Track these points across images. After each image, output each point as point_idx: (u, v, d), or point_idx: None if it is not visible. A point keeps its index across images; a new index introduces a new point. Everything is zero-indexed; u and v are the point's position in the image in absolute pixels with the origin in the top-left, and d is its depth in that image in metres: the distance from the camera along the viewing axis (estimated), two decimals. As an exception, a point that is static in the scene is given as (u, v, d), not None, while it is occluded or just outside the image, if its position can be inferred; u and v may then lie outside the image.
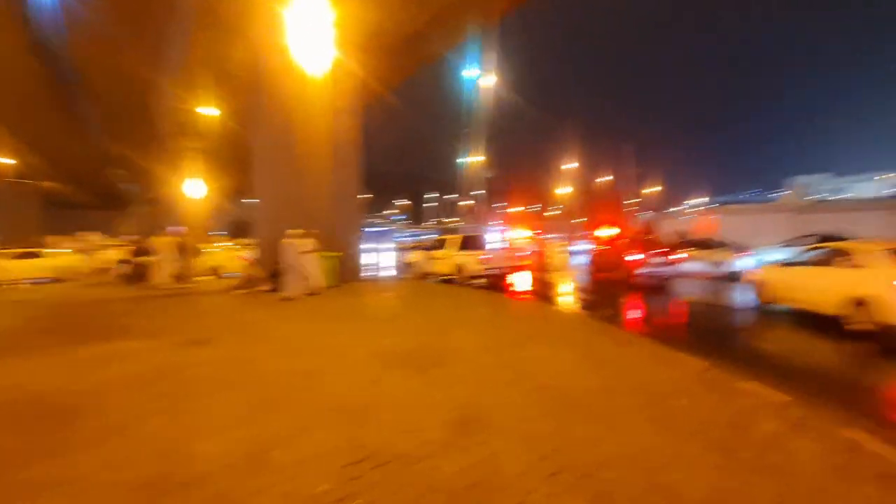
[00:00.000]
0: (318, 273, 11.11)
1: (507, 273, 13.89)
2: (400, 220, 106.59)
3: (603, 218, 20.60)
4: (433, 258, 15.24)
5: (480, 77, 31.00)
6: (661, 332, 7.33)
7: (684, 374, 4.29)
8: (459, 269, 13.73)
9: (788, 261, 8.79)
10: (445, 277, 14.25)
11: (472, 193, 56.50)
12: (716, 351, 5.28)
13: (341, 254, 12.40)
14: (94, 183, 42.99)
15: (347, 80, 12.91)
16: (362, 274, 14.16)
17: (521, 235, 17.73)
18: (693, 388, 3.89)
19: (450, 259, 14.25)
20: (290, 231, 10.65)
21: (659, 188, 61.11)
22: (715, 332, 7.66)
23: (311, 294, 10.74)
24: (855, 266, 6.72)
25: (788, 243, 12.82)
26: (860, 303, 6.25)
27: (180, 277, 13.07)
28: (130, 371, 4.66)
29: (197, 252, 14.65)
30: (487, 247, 14.48)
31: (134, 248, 13.09)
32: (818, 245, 8.84)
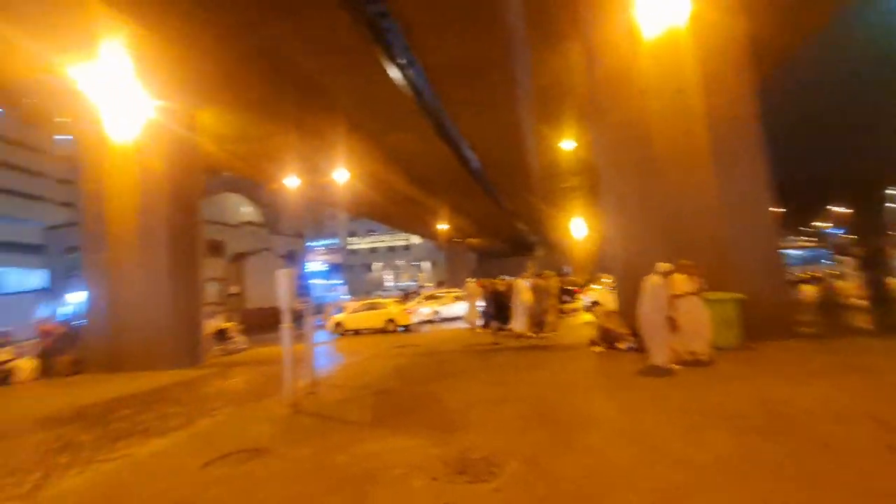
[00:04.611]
0: (704, 328, 7.04)
1: None
2: (837, 233, 77.92)
3: None
4: None
5: None
6: None
7: None
8: None
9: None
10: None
11: None
12: None
13: (742, 295, 7.74)
14: (505, 235, 52.18)
15: (717, 33, 8.52)
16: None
17: None
18: None
19: None
20: (658, 265, 7.18)
21: None
22: None
23: (695, 362, 6.79)
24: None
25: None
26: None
27: (538, 326, 11.75)
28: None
29: (559, 297, 13.13)
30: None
31: (489, 291, 12.81)
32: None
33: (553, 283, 13.08)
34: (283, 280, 6.38)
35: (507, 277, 18.97)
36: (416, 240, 66.79)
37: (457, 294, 21.54)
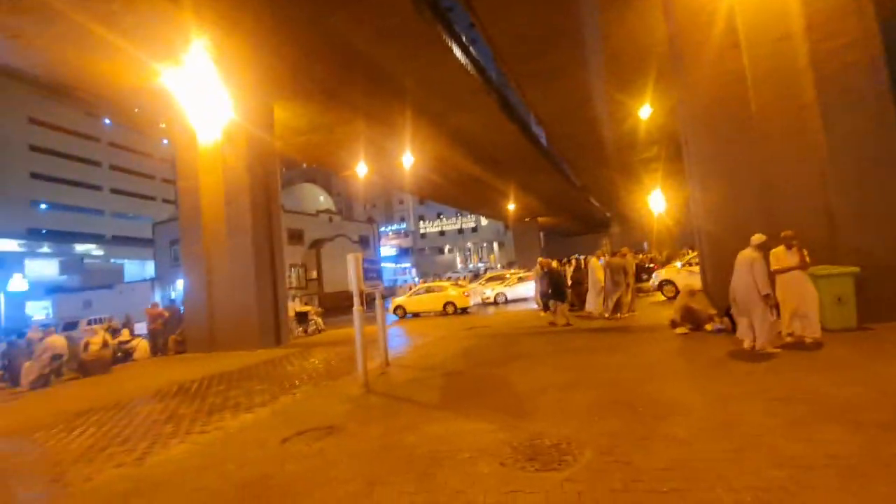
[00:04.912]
0: (810, 308, 6.20)
1: None
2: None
3: None
4: None
5: None
6: None
7: None
8: None
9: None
10: None
11: None
12: None
13: (857, 269, 6.72)
14: (576, 212, 50.22)
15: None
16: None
17: None
18: None
19: None
20: (754, 237, 6.41)
21: None
22: None
23: (799, 346, 6.03)
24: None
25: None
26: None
27: (614, 306, 11.12)
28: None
29: (636, 275, 12.33)
30: None
31: (544, 270, 12.15)
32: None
33: (629, 260, 12.29)
34: (352, 264, 6.55)
35: (579, 256, 18.19)
36: (484, 221, 66.55)
37: (521, 275, 21.12)
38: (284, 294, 13.32)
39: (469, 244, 71.04)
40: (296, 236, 35.24)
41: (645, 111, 17.52)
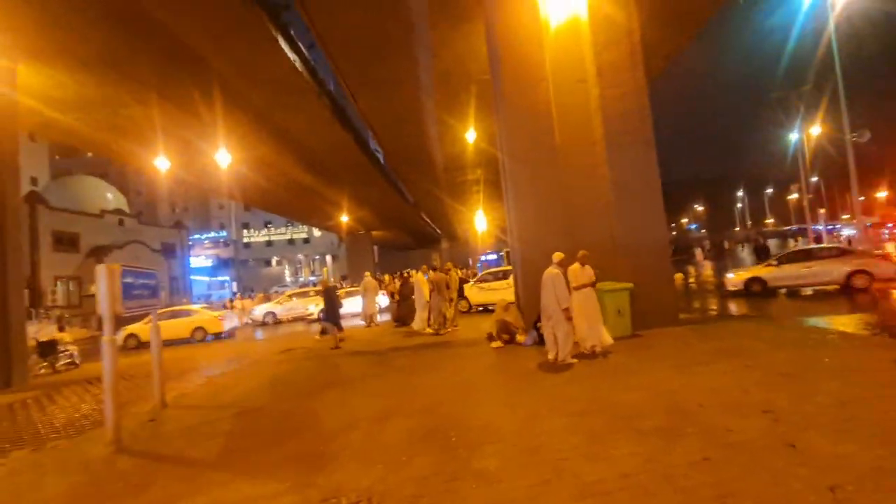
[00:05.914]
0: (598, 319, 6.91)
1: None
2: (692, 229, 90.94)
3: None
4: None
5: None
6: None
7: None
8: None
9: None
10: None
11: (812, 181, 40.69)
12: None
13: (631, 285, 7.82)
14: (409, 227, 51.47)
15: (613, 26, 8.54)
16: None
17: None
18: None
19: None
20: (554, 255, 6.85)
21: None
22: None
23: (592, 355, 6.62)
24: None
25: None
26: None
27: (438, 321, 11.15)
28: None
29: (459, 290, 12.66)
30: None
31: (323, 290, 11.64)
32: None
33: (453, 276, 12.58)
34: (103, 278, 4.89)
35: (411, 271, 18.21)
36: (317, 233, 63.47)
37: (348, 289, 20.45)
38: (21, 317, 9.89)
39: (300, 256, 66.83)
40: (67, 241, 27.90)
41: (471, 135, 18.61)
